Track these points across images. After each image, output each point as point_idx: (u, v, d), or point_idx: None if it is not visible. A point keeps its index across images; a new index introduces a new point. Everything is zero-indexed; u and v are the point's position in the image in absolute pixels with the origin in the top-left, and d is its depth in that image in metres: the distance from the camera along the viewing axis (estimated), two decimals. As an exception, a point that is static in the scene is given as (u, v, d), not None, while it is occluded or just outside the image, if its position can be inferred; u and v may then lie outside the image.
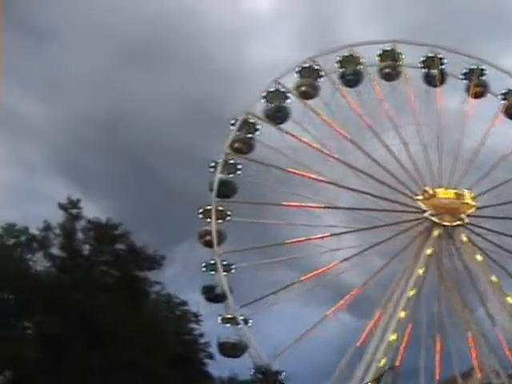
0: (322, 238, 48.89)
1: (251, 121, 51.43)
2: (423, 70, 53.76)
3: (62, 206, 43.90)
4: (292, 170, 50.40)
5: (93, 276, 39.37)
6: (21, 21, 76.98)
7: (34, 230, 41.91)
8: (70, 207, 43.44)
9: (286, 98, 52.20)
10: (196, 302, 44.85)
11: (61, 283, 36.69)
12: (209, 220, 48.36)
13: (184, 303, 46.58)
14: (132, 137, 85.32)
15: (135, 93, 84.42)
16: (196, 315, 46.35)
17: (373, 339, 46.34)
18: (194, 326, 44.39)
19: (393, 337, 45.87)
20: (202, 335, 43.81)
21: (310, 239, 48.95)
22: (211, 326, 43.99)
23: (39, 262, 40.44)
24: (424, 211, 50.69)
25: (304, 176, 50.46)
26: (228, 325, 46.29)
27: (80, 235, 41.59)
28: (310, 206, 50.07)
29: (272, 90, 51.80)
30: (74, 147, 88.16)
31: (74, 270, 39.24)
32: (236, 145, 51.12)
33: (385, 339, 45.63)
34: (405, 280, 48.98)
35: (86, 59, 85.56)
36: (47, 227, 42.75)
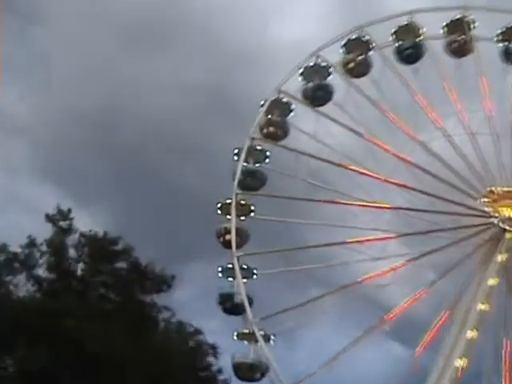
0: (361, 242, 42.69)
1: (284, 100, 45.37)
2: (500, 44, 45.48)
3: (49, 218, 39.30)
4: (333, 161, 44.15)
5: (88, 301, 35.97)
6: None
7: (15, 248, 37.66)
8: (60, 219, 39.27)
9: (328, 74, 45.68)
10: (213, 330, 41.04)
11: (49, 310, 32.08)
12: (229, 216, 43.05)
13: (199, 332, 41.58)
14: (132, 134, 75.79)
15: (135, 83, 75.33)
16: (213, 347, 41.74)
17: (435, 366, 40.03)
18: (211, 359, 39.68)
19: (461, 362, 39.32)
20: (220, 371, 38.95)
21: (346, 243, 42.75)
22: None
23: (22, 286, 36.05)
24: (491, 216, 43.54)
25: (347, 168, 44.19)
26: (245, 342, 40.87)
27: (72, 252, 38.41)
28: (353, 204, 43.90)
29: (311, 64, 45.39)
30: (63, 147, 76.93)
31: (65, 294, 35.63)
32: (267, 129, 45.19)
33: (450, 365, 39.32)
34: (471, 293, 42.61)
35: (77, 45, 76.87)
36: (31, 243, 38.19)
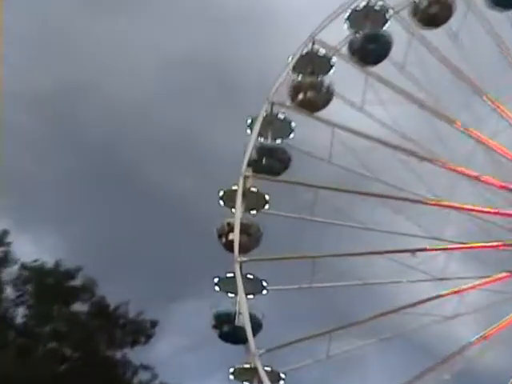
0: (414, 252, 35.03)
1: (321, 53, 38.15)
2: None
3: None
4: (386, 142, 36.52)
5: (33, 360, 29.56)
6: None
7: None
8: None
9: (385, 21, 38.56)
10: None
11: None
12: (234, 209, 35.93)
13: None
14: (98, 126, 60.21)
15: (101, 57, 60.78)
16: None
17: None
18: None
19: None
20: None
21: (393, 253, 35.01)
22: None
23: None
24: None
25: (404, 152, 36.45)
26: (245, 383, 33.87)
27: (9, 291, 32.47)
28: (407, 200, 36.03)
29: (362, 6, 38.13)
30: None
31: (2, 350, 29.43)
32: (296, 93, 37.43)
33: None
34: None
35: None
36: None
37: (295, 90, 37.53)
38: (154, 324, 33.29)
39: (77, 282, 32.45)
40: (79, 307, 31.80)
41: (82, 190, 56.45)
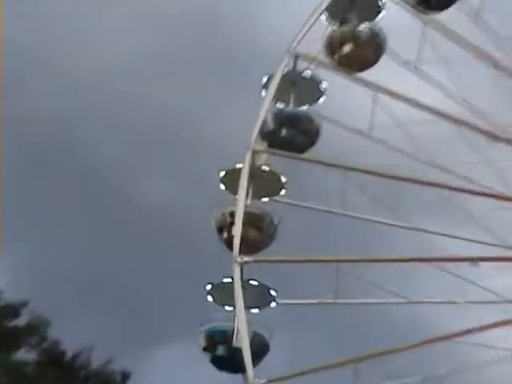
0: (477, 261, 28.42)
1: None
2: None
3: None
4: (449, 115, 29.55)
5: None
6: None
7: None
8: None
9: None
10: None
11: None
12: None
13: None
14: (48, 103, 50.42)
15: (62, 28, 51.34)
16: None
17: None
18: None
19: None
20: None
21: (450, 261, 28.17)
22: None
23: None
24: None
25: (473, 129, 29.64)
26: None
27: None
28: (473, 193, 29.23)
29: None
30: None
31: None
32: (341, 49, 30.67)
33: None
34: None
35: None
36: None
37: (331, 42, 30.35)
38: (125, 376, 28.83)
39: (21, 320, 27.54)
40: (25, 355, 26.98)
41: (30, 198, 46.21)
